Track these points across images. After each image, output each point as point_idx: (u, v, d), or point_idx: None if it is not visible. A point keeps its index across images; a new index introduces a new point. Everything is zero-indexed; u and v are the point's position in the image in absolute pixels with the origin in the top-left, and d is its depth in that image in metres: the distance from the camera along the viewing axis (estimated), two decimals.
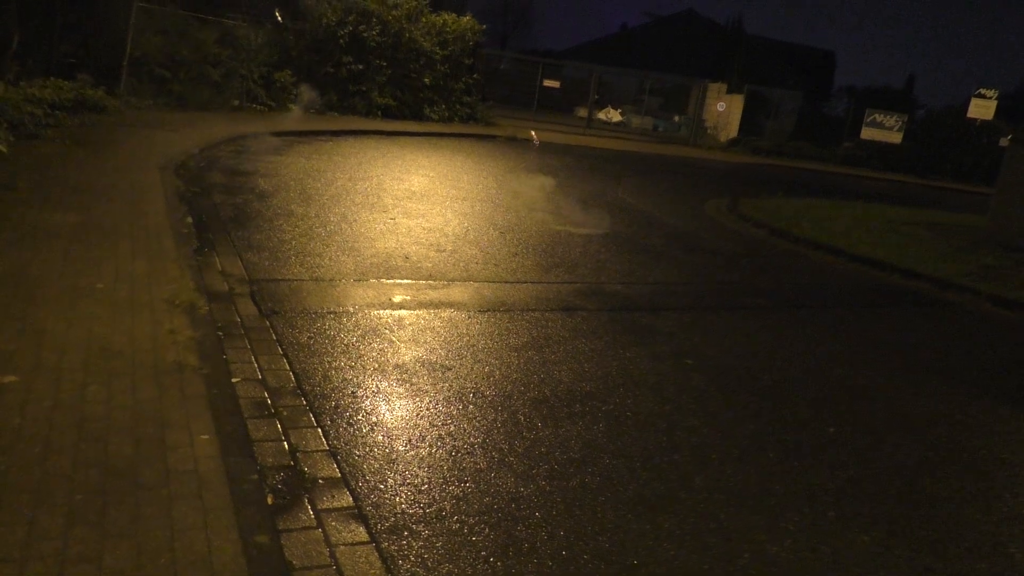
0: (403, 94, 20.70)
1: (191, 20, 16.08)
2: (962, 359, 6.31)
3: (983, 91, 27.96)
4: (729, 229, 11.18)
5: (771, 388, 4.93)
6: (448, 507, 3.08)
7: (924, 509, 3.63)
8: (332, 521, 2.85)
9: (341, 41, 19.46)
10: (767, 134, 29.55)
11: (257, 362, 4.14)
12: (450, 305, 5.68)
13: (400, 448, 3.50)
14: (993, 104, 27.90)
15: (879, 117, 29.52)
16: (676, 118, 35.72)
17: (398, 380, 4.25)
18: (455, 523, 2.98)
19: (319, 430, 3.55)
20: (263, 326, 4.72)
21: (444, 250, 7.25)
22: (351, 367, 4.32)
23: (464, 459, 3.49)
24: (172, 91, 15.19)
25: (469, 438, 3.70)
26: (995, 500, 3.84)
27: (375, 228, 7.75)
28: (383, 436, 3.59)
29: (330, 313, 5.14)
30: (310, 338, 4.66)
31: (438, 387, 4.23)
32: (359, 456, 3.38)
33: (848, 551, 3.18)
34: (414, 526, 2.92)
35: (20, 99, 10.15)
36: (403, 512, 3.00)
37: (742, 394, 4.75)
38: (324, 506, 2.94)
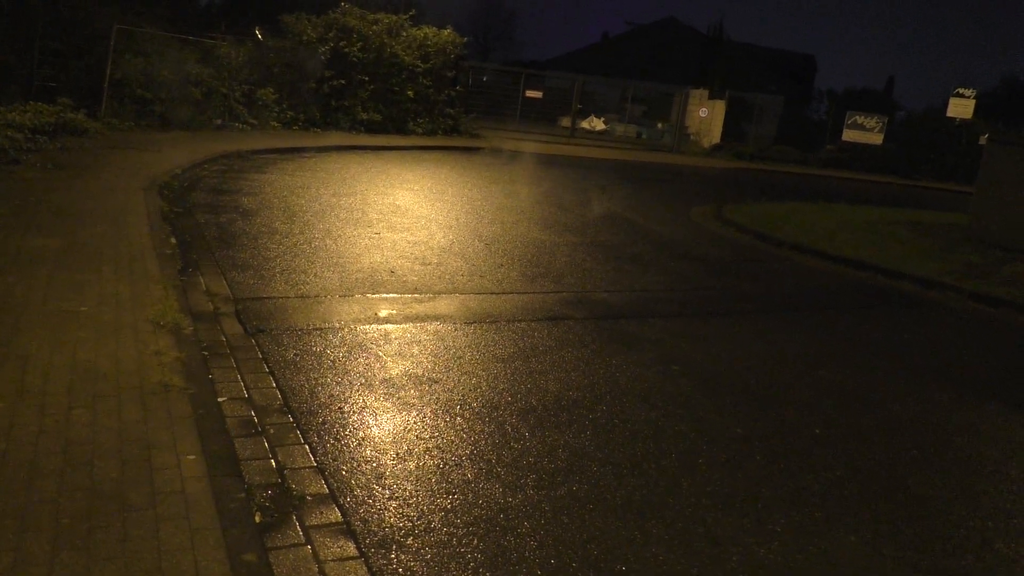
0: (386, 108, 20.75)
1: (171, 40, 16.10)
2: (947, 357, 6.37)
3: (962, 90, 28.27)
4: (714, 235, 11.24)
5: (758, 392, 4.96)
6: (437, 520, 3.09)
7: (911, 507, 3.66)
8: (321, 537, 2.85)
9: (322, 57, 19.50)
10: (750, 139, 29.78)
11: (243, 381, 4.14)
12: (436, 318, 5.69)
13: (388, 462, 3.51)
14: (972, 103, 28.21)
15: (860, 119, 29.80)
16: (659, 125, 35.94)
17: (385, 394, 4.25)
18: (444, 535, 2.98)
19: (306, 447, 3.55)
20: (249, 345, 4.72)
21: (429, 263, 7.26)
22: (338, 383, 4.33)
23: (452, 471, 3.50)
24: (154, 112, 15.18)
25: (457, 450, 3.70)
26: (981, 496, 3.87)
27: (360, 243, 7.76)
28: (371, 451, 3.60)
29: (316, 329, 5.15)
30: (296, 355, 4.66)
31: (425, 400, 4.24)
32: (347, 472, 3.38)
33: (836, 551, 3.20)
34: (403, 539, 2.92)
35: (0, 124, 10.11)
36: (392, 526, 3.01)
37: (729, 399, 4.78)
38: (312, 522, 2.94)
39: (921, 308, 8.06)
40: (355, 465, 3.45)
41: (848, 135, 29.75)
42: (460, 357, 4.95)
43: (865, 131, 29.69)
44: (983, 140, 22.24)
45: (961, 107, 28.24)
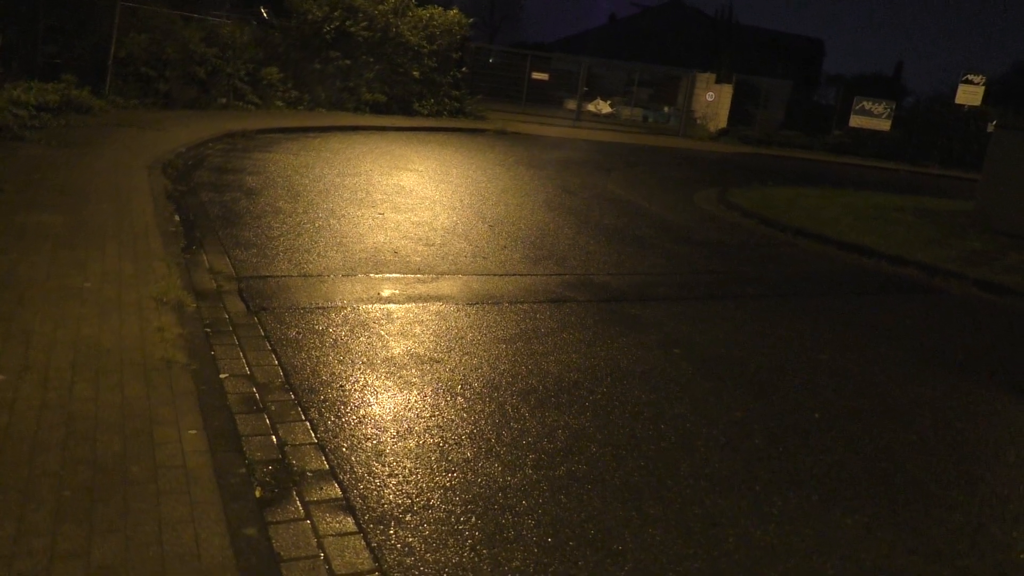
0: (391, 89, 20.67)
1: (176, 19, 16.03)
2: (949, 344, 6.37)
3: (971, 76, 28.04)
4: (718, 219, 11.22)
5: (758, 376, 4.97)
6: (435, 497, 3.11)
7: (908, 492, 3.68)
8: (320, 512, 2.88)
9: (327, 37, 19.42)
10: (756, 124, 29.58)
11: (245, 358, 4.16)
12: (439, 298, 5.70)
13: (388, 440, 3.53)
14: (981, 90, 27.98)
15: (867, 105, 29.58)
16: (666, 109, 35.72)
17: (387, 373, 4.27)
18: (442, 512, 3.01)
19: (307, 424, 3.58)
20: (251, 322, 4.74)
21: (433, 244, 7.26)
22: (339, 361, 4.34)
23: (451, 450, 3.52)
24: (158, 90, 15.15)
25: (457, 429, 3.73)
26: (978, 482, 3.89)
27: (364, 223, 7.77)
28: (371, 428, 3.62)
29: (318, 308, 5.16)
30: (298, 333, 4.68)
31: (426, 379, 4.26)
32: (347, 449, 3.41)
33: (832, 534, 3.22)
34: (402, 516, 2.95)
35: (5, 102, 10.11)
36: (391, 502, 3.03)
37: (729, 382, 4.79)
38: (312, 498, 2.97)
39: (925, 294, 8.05)
40: (355, 442, 3.47)
41: (855, 121, 29.54)
42: (462, 337, 4.97)
43: (873, 117, 29.49)
44: (991, 127, 22.11)
45: (970, 94, 28.02)
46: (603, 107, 34.86)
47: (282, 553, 2.60)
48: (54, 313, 4.26)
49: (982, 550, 3.25)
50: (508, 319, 5.43)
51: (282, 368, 4.15)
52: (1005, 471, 4.05)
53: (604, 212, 10.32)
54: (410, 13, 21.35)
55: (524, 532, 2.95)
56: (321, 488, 3.05)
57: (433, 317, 5.29)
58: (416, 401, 3.98)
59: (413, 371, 4.35)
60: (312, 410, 3.72)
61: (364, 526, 2.85)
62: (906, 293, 8.06)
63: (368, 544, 2.74)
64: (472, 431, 3.73)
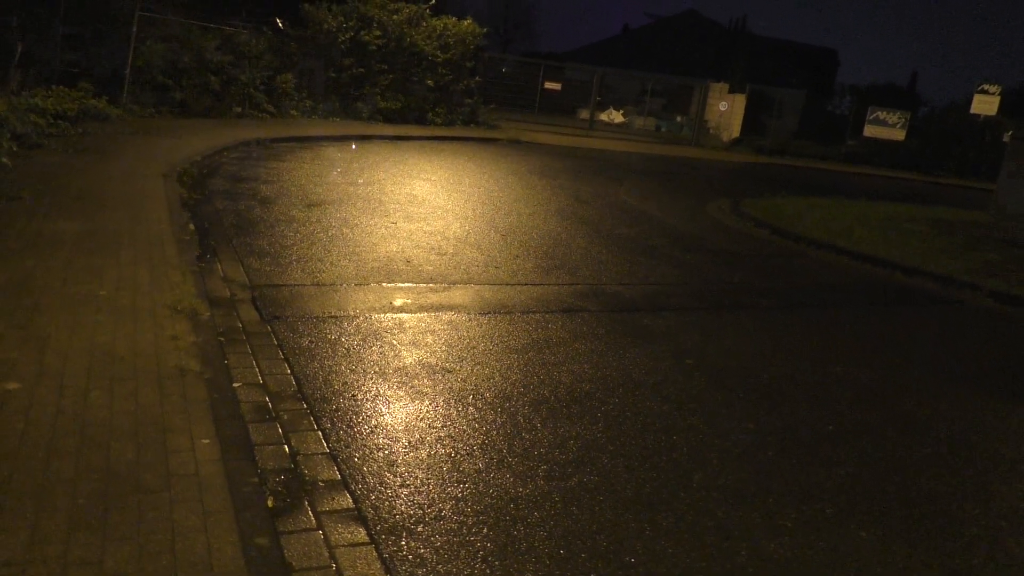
0: (405, 98, 20.77)
1: (192, 28, 16.17)
2: (964, 356, 6.32)
3: (986, 87, 27.91)
4: (731, 229, 11.19)
5: (771, 387, 4.95)
6: (447, 508, 3.11)
7: (923, 506, 3.65)
8: (332, 523, 2.88)
9: (342, 46, 19.54)
10: (770, 133, 29.53)
11: (258, 367, 4.17)
12: (451, 308, 5.70)
13: (400, 450, 3.53)
14: (996, 100, 27.85)
15: (882, 115, 29.48)
16: (679, 118, 35.74)
17: (399, 383, 4.28)
18: (454, 524, 3.00)
19: (319, 433, 3.58)
20: (264, 331, 4.75)
21: (445, 253, 7.28)
22: (352, 370, 4.35)
23: (463, 461, 3.52)
24: (174, 99, 15.28)
25: (468, 440, 3.72)
26: (994, 496, 3.85)
27: (376, 232, 7.79)
28: (383, 438, 3.62)
29: (331, 317, 5.18)
30: (311, 342, 4.69)
31: (438, 389, 4.26)
32: (359, 459, 3.41)
33: (845, 548, 3.20)
34: (413, 527, 2.95)
35: (23, 109, 10.21)
36: (403, 513, 3.03)
37: (742, 393, 4.77)
38: (324, 508, 2.97)
39: (939, 306, 7.99)
40: (367, 452, 3.47)
41: (869, 131, 29.45)
42: (474, 347, 4.97)
43: (887, 127, 29.38)
44: (1007, 137, 21.96)
45: (985, 104, 27.90)
46: (616, 117, 34.92)
47: (293, 563, 2.61)
48: (70, 320, 4.29)
49: (999, 564, 3.22)
50: (520, 329, 5.43)
51: (295, 377, 4.16)
52: (1021, 485, 4.00)
53: (616, 222, 10.31)
54: (424, 23, 21.47)
55: (536, 544, 2.94)
56: (333, 498, 3.05)
57: (445, 327, 5.29)
58: (428, 411, 3.98)
59: (425, 381, 4.35)
60: (324, 419, 3.73)
61: (376, 537, 2.85)
62: (920, 304, 8.01)
63: (380, 555, 2.74)
64: (484, 442, 3.72)
